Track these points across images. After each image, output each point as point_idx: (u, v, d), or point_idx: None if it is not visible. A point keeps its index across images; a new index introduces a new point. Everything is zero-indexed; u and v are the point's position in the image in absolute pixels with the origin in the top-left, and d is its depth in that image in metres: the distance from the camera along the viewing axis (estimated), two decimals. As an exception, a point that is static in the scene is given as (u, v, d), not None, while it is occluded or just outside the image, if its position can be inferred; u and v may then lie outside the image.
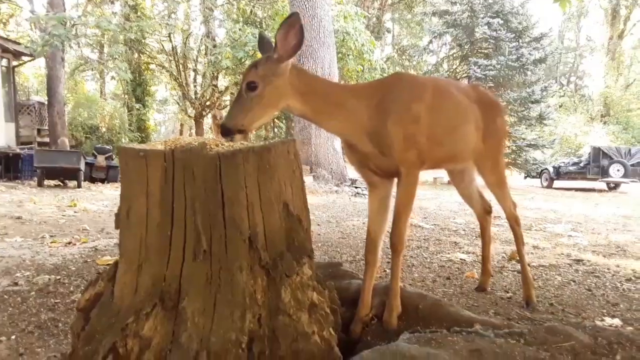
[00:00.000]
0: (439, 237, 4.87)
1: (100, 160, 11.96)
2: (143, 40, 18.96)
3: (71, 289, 2.79)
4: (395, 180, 2.04)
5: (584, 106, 32.80)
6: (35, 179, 10.62)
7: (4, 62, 15.50)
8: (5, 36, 16.88)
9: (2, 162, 11.77)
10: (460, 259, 3.78)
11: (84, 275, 3.09)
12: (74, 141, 18.13)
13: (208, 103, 21.35)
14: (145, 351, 1.44)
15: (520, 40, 17.43)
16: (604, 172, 15.41)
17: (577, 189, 15.29)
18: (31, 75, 25.87)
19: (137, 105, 21.66)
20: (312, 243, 1.69)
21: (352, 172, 11.27)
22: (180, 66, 20.50)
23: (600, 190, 15.42)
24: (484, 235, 2.78)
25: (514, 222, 2.59)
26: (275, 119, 20.11)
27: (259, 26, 18.17)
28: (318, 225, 5.57)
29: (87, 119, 20.00)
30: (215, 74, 20.31)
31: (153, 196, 1.50)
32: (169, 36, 19.17)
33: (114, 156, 12.40)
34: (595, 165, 15.60)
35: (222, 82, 21.46)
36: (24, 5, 20.46)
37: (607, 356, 1.53)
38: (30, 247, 3.93)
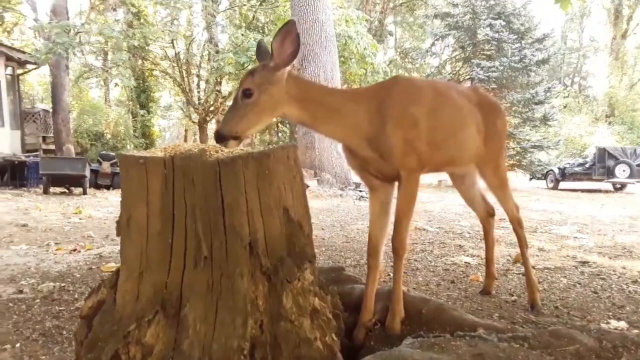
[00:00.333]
0: (443, 240, 4.85)
1: (106, 167, 12.04)
2: (146, 47, 19.03)
3: (76, 296, 2.80)
4: (397, 184, 2.03)
5: (588, 107, 32.62)
6: (41, 186, 10.69)
7: (9, 70, 15.63)
8: (9, 44, 17.01)
9: (8, 170, 11.84)
10: (465, 262, 3.76)
11: (88, 282, 3.10)
12: (79, 148, 18.23)
13: (212, 108, 21.39)
14: (147, 358, 1.44)
15: (523, 42, 17.38)
16: (609, 173, 15.28)
17: (582, 190, 15.19)
18: (36, 83, 26.10)
19: (142, 112, 21.80)
20: (316, 247, 1.69)
21: (356, 176, 11.25)
22: (184, 72, 20.57)
23: (606, 191, 15.32)
24: (487, 238, 2.77)
25: (516, 225, 2.58)
26: (279, 124, 20.13)
27: (261, 31, 18.24)
28: (322, 229, 5.56)
29: (92, 126, 20.17)
30: (219, 80, 20.36)
31: (153, 203, 1.50)
32: (172, 42, 19.23)
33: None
34: (601, 166, 15.47)
35: (226, 87, 21.51)
36: (28, 13, 20.66)
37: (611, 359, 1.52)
38: (36, 255, 3.95)
